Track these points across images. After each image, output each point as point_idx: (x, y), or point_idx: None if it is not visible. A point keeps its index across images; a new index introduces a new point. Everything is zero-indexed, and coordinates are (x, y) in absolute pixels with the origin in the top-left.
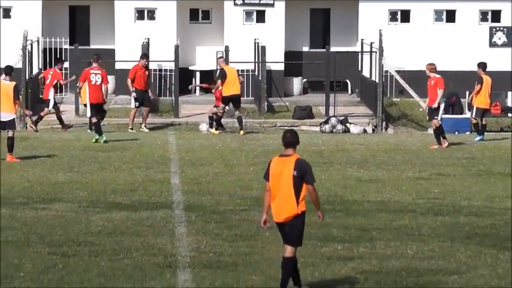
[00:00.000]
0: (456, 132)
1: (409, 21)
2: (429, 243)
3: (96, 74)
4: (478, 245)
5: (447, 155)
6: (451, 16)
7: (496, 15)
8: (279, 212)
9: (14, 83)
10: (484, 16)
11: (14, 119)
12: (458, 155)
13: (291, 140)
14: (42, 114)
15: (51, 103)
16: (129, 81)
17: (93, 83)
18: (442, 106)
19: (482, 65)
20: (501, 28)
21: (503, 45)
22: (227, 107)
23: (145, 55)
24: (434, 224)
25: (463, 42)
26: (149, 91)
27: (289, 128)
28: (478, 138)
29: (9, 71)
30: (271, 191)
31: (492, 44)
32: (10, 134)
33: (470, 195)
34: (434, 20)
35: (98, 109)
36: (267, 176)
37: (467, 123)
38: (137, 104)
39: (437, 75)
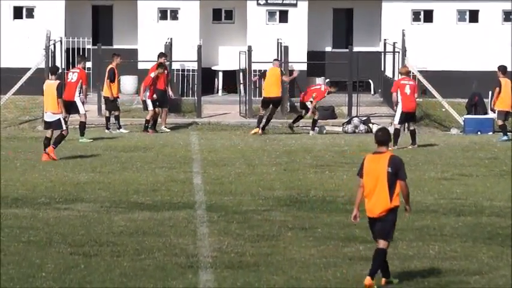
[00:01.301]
0: (479, 133)
1: (432, 21)
2: (451, 243)
3: (73, 73)
4: (500, 246)
5: (469, 155)
6: (474, 16)
7: None
8: (374, 208)
9: (57, 81)
10: (507, 16)
11: (59, 119)
12: (481, 155)
13: (382, 138)
14: (147, 118)
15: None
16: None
17: (68, 80)
18: (398, 110)
19: (502, 68)
20: None
21: None
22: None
23: (162, 54)
24: (456, 225)
25: (486, 42)
26: (169, 90)
27: (381, 127)
28: (504, 138)
29: (54, 70)
30: (364, 188)
31: None
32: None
33: (493, 196)
34: (457, 20)
35: (68, 107)
36: (360, 172)
37: (490, 124)
38: (157, 103)
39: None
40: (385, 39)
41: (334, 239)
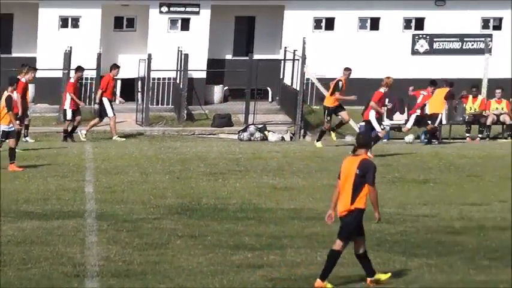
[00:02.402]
0: None
1: (333, 29)
2: None
3: None
4: (388, 252)
5: None
6: (375, 24)
7: (420, 23)
8: (339, 207)
9: (7, 94)
10: (407, 24)
11: (2, 130)
12: (375, 162)
13: (362, 141)
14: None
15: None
16: (99, 92)
17: None
18: None
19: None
20: (424, 36)
21: (425, 52)
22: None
23: (116, 65)
24: None
25: (387, 50)
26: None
27: (362, 131)
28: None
29: (11, 82)
30: (339, 188)
31: (414, 52)
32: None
33: (383, 202)
34: (358, 27)
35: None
36: (339, 174)
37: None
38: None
39: None
40: (285, 47)
41: (223, 247)
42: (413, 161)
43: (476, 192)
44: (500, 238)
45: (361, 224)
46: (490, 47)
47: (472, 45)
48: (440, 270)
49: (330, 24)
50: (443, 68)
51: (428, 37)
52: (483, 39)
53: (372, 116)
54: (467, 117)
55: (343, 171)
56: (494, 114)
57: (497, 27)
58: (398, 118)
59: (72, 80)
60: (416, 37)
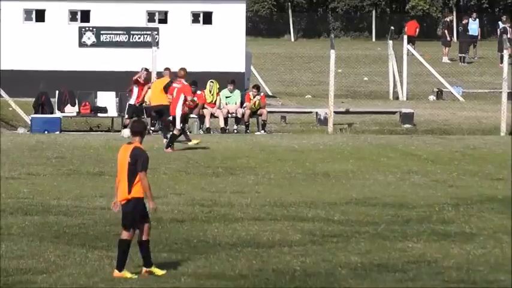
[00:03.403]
0: (46, 132)
1: None
2: (18, 242)
3: None
4: (67, 244)
5: (37, 154)
6: (40, 15)
7: (85, 15)
8: (119, 195)
9: None
10: (73, 16)
11: None
12: (48, 154)
13: (137, 129)
14: None
15: None
16: None
17: None
18: None
19: None
20: (90, 28)
21: (93, 45)
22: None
23: None
24: (23, 224)
25: (53, 42)
26: None
27: (138, 118)
28: None
29: None
30: (118, 176)
31: (82, 44)
32: None
33: (60, 195)
34: (24, 19)
35: None
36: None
37: (58, 123)
38: None
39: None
40: None
41: None
42: (88, 153)
43: (153, 185)
44: (178, 230)
45: (144, 212)
46: (157, 40)
47: (139, 38)
48: None
49: None
50: (111, 60)
51: (95, 29)
52: (150, 32)
53: (178, 112)
54: None
55: (119, 160)
56: None
57: (163, 20)
58: (70, 110)
59: None
60: (83, 29)
